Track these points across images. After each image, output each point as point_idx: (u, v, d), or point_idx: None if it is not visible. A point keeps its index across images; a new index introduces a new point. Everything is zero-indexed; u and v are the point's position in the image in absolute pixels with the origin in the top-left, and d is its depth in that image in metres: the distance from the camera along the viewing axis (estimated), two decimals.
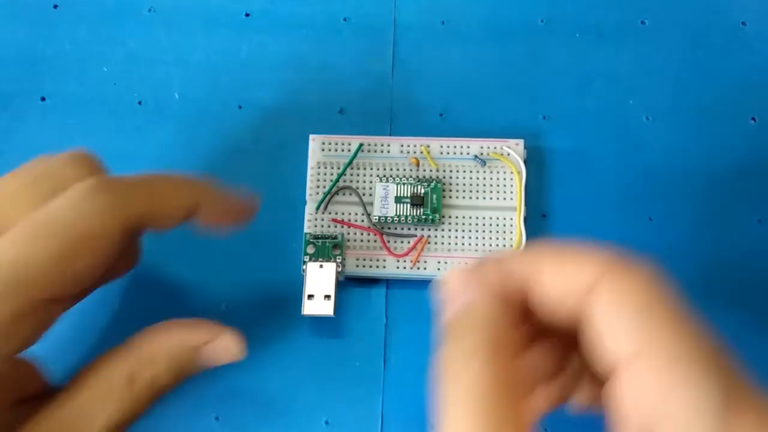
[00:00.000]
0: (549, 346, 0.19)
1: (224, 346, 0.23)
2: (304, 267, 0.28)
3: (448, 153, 0.30)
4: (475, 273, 0.18)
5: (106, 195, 0.19)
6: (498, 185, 0.29)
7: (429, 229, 0.29)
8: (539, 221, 0.30)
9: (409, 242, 0.29)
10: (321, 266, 0.28)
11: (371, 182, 0.29)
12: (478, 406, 0.15)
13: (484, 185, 0.29)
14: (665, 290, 0.16)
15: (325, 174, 0.30)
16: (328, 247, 0.29)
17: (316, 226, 0.29)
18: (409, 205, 0.29)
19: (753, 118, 0.31)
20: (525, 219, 0.29)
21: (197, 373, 0.23)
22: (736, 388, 0.14)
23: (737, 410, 0.14)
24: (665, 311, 0.15)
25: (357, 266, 0.29)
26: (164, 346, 0.22)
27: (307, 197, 0.29)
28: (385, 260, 0.29)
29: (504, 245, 0.29)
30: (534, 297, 0.17)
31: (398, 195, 0.29)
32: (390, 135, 0.31)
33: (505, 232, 0.29)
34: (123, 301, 0.29)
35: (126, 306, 0.29)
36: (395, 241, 0.29)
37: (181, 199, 0.21)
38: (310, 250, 0.28)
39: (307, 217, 0.29)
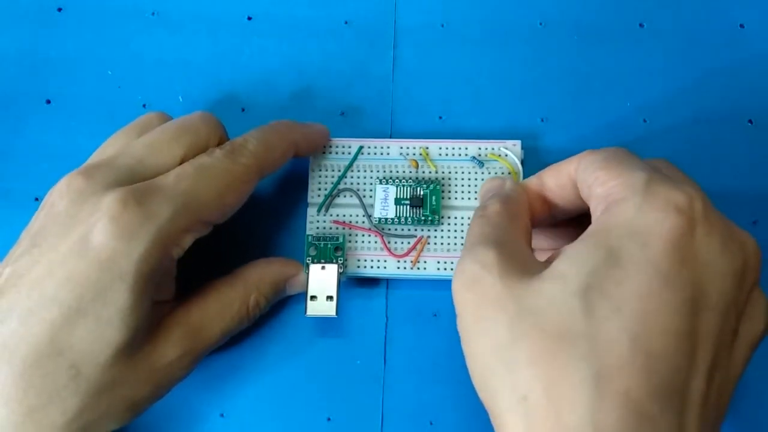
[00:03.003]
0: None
1: (301, 280, 0.30)
2: (307, 268, 0.30)
3: (446, 155, 0.31)
4: (501, 181, 0.28)
5: (248, 153, 0.27)
6: None
7: (429, 230, 0.31)
8: None
9: (409, 243, 0.30)
10: (323, 267, 0.30)
11: (371, 184, 0.31)
12: (492, 220, 0.25)
13: None
14: (621, 150, 0.25)
15: (327, 176, 0.31)
16: (329, 249, 0.30)
17: (317, 227, 0.31)
18: (408, 207, 0.30)
19: (750, 121, 0.32)
20: None
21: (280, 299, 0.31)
22: (655, 172, 0.23)
23: (658, 184, 0.22)
24: (618, 154, 0.24)
25: (358, 267, 0.30)
26: (267, 275, 0.29)
27: (309, 200, 0.31)
28: (385, 261, 0.30)
29: None
30: (544, 194, 0.27)
31: (398, 197, 0.30)
32: (390, 137, 0.32)
33: None
34: None
35: None
36: (395, 242, 0.31)
37: (288, 146, 0.29)
38: (312, 251, 0.30)
39: (308, 219, 0.31)
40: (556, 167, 0.26)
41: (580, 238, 0.22)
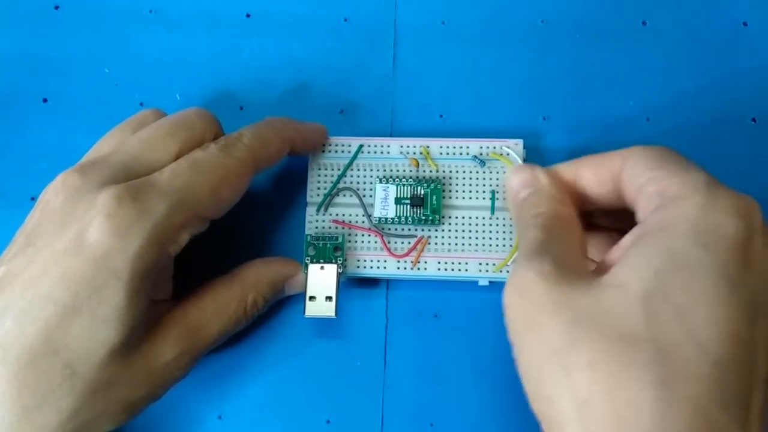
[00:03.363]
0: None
1: (300, 280, 0.30)
2: (306, 268, 0.30)
3: (447, 153, 0.31)
4: (531, 171, 0.27)
5: (243, 147, 0.27)
6: (497, 185, 0.30)
7: (429, 230, 0.30)
8: None
9: (409, 243, 0.30)
10: (322, 268, 0.29)
11: (371, 183, 0.31)
12: (546, 224, 0.24)
13: (484, 185, 0.31)
14: (672, 151, 0.24)
15: (326, 175, 0.31)
16: (329, 249, 0.30)
17: (317, 227, 0.31)
18: (409, 206, 0.30)
19: (753, 119, 0.32)
20: None
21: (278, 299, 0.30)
22: (715, 180, 0.22)
23: (718, 187, 0.22)
24: (670, 154, 0.24)
25: (358, 267, 0.30)
26: (265, 275, 0.29)
27: (308, 199, 0.31)
28: (385, 261, 0.30)
29: (503, 245, 0.30)
30: (578, 188, 0.26)
31: (398, 196, 0.30)
32: (390, 136, 0.32)
33: (504, 232, 0.30)
34: None
35: None
36: (395, 242, 0.30)
37: (283, 141, 0.29)
38: (311, 251, 0.30)
39: (308, 218, 0.31)
40: (596, 162, 0.26)
41: (637, 238, 0.22)
